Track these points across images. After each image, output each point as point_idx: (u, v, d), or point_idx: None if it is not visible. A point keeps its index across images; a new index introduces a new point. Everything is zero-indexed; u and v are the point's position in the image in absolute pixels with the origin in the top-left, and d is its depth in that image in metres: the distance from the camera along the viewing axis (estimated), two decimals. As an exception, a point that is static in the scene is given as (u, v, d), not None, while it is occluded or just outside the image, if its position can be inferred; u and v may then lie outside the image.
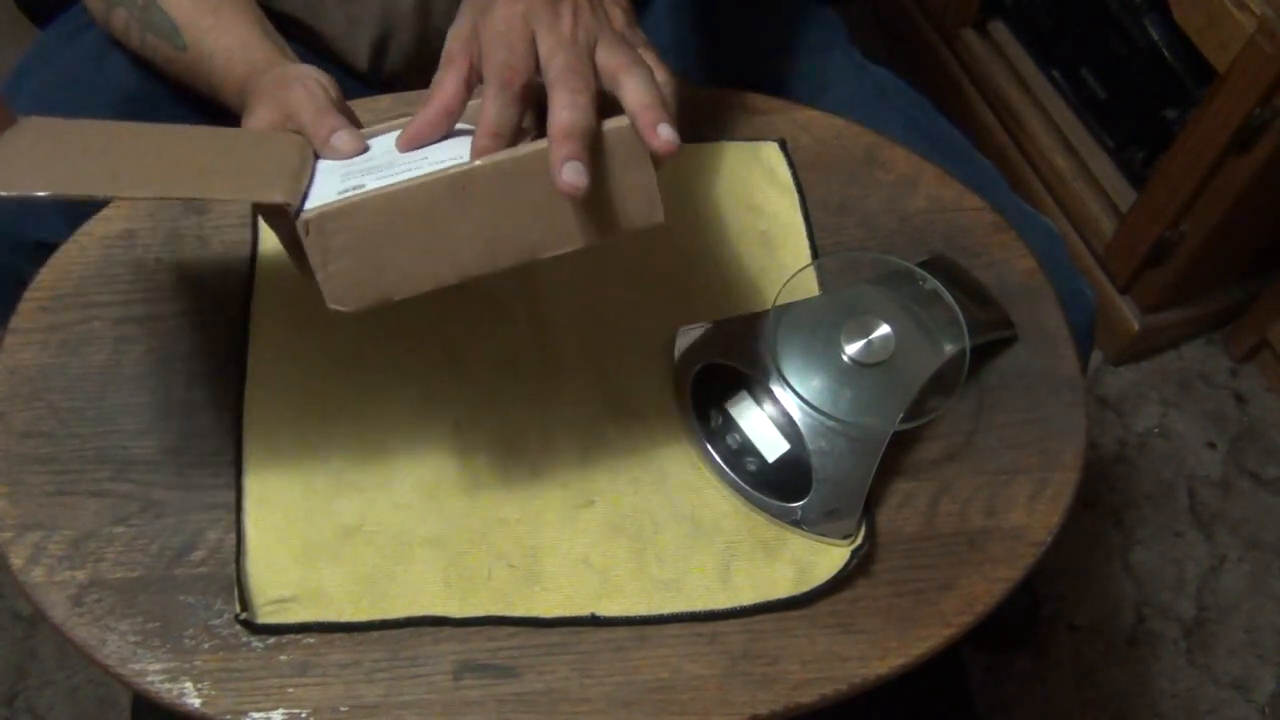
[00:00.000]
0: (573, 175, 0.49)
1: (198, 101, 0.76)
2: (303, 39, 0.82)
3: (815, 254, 0.72)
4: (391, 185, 0.50)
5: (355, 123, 0.62)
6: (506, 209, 0.51)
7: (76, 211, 0.71)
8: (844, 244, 0.74)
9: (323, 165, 0.58)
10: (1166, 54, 1.21)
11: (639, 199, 0.52)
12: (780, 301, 0.66)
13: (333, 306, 0.51)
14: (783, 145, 0.77)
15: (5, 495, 0.61)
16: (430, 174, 0.50)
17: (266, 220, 0.60)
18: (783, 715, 0.58)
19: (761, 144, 0.77)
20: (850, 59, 0.90)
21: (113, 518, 0.61)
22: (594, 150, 0.50)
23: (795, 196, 0.74)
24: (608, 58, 0.54)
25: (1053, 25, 1.39)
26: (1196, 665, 1.26)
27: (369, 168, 0.55)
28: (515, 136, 0.53)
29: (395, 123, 0.61)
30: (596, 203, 0.51)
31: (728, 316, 0.67)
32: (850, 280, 0.69)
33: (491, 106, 0.53)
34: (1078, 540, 1.33)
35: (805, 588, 0.60)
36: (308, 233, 0.49)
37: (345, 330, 0.67)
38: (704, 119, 0.78)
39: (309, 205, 0.51)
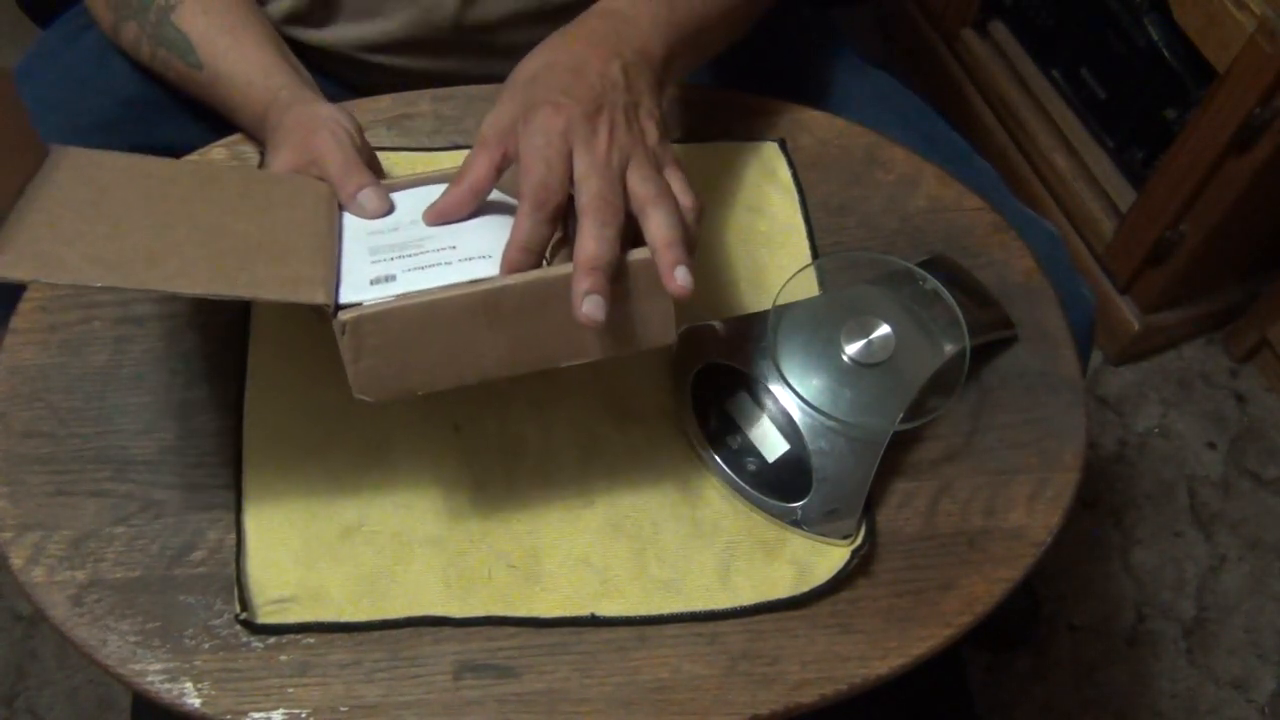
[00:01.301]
0: (592, 309, 0.52)
1: (199, 107, 0.76)
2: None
3: (815, 254, 0.72)
4: (426, 294, 0.53)
5: (376, 168, 0.63)
6: (531, 324, 0.54)
7: None
8: (844, 244, 0.74)
9: (348, 227, 0.60)
10: (1166, 54, 1.21)
11: (656, 323, 0.56)
12: (780, 301, 0.66)
13: (358, 397, 0.54)
14: (783, 145, 0.77)
15: (5, 495, 0.61)
16: (463, 288, 0.53)
17: None
18: (783, 715, 0.58)
19: (761, 144, 0.77)
20: (849, 62, 0.90)
21: (113, 518, 0.61)
22: (615, 279, 0.53)
23: (795, 196, 0.74)
24: (638, 185, 0.56)
25: (1053, 25, 1.39)
26: (1196, 665, 1.26)
27: (396, 245, 0.58)
28: (543, 252, 0.56)
29: (418, 177, 0.64)
30: (616, 323, 0.54)
31: (728, 316, 0.67)
32: (850, 280, 0.69)
33: (525, 224, 0.55)
34: (1078, 540, 1.33)
35: (805, 588, 0.60)
36: (344, 333, 0.52)
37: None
38: (704, 119, 0.78)
39: (343, 297, 0.55)
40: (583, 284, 0.52)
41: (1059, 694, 1.24)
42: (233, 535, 0.61)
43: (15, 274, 0.49)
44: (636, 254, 0.55)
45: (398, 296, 0.53)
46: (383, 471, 0.63)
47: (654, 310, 0.55)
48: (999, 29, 1.49)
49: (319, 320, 0.57)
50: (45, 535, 0.60)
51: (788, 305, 0.66)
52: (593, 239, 0.54)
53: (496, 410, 0.65)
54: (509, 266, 0.55)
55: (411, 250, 0.57)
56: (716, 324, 0.67)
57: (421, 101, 0.77)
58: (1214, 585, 1.31)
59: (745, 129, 0.78)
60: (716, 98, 0.79)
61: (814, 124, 0.78)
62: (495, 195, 0.61)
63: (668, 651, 0.59)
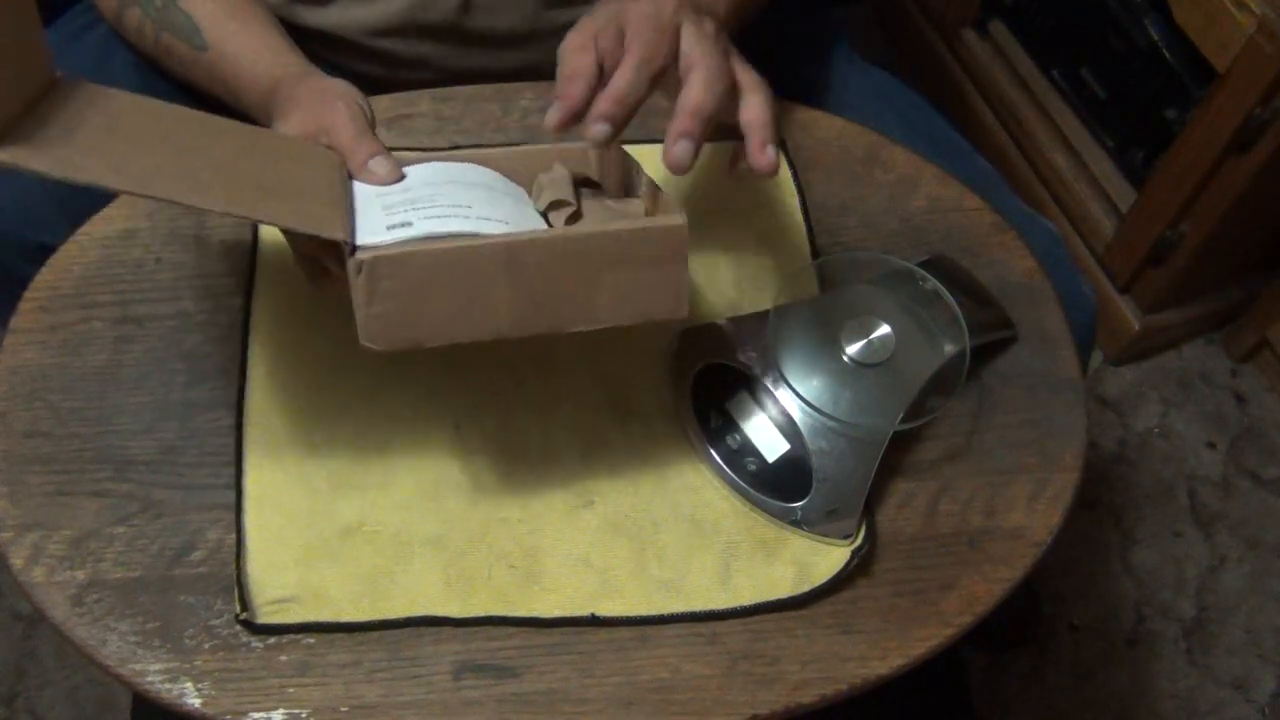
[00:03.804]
0: (682, 153, 0.56)
1: (203, 105, 0.76)
2: None
3: (815, 254, 0.72)
4: (448, 242, 0.52)
5: (384, 148, 0.63)
6: (549, 282, 0.53)
7: (78, 214, 0.71)
8: (844, 244, 0.74)
9: (358, 189, 0.59)
10: (1166, 54, 1.21)
11: (669, 293, 0.55)
12: (780, 301, 0.66)
13: (365, 344, 0.53)
14: (783, 145, 0.77)
15: (5, 495, 0.61)
16: (486, 239, 0.53)
17: (284, 231, 0.60)
18: (783, 715, 0.58)
19: (761, 144, 0.77)
20: (850, 61, 0.90)
21: (113, 518, 0.61)
22: (632, 246, 0.54)
23: (795, 196, 0.74)
24: (742, 70, 0.60)
25: (1053, 25, 1.39)
26: (1196, 665, 1.26)
27: (408, 200, 0.57)
28: (635, 111, 0.57)
29: (425, 156, 0.63)
30: (630, 289, 0.54)
31: (728, 316, 0.67)
32: (850, 280, 0.69)
33: (629, 75, 0.56)
34: (1078, 540, 1.33)
35: (805, 588, 0.60)
36: (359, 272, 0.51)
37: (345, 331, 0.67)
38: (704, 119, 0.78)
39: (359, 239, 0.53)
40: (683, 124, 0.55)
41: (1059, 694, 1.24)
42: (233, 535, 0.61)
43: (33, 165, 0.47)
44: (662, 219, 0.55)
45: (418, 240, 0.52)
46: (383, 471, 0.63)
47: (670, 279, 0.54)
48: (999, 29, 1.49)
49: (324, 275, 0.56)
50: (45, 535, 0.60)
51: (788, 305, 0.66)
52: (702, 89, 0.56)
53: (497, 410, 0.65)
54: (596, 117, 0.56)
55: (425, 204, 0.56)
56: (716, 324, 0.67)
57: (421, 101, 0.77)
58: (1214, 585, 1.31)
59: (745, 129, 0.78)
60: (716, 98, 0.79)
61: (814, 124, 0.78)
62: (500, 179, 0.61)
63: (668, 651, 0.59)
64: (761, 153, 0.58)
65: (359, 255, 0.51)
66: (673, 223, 0.54)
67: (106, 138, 0.52)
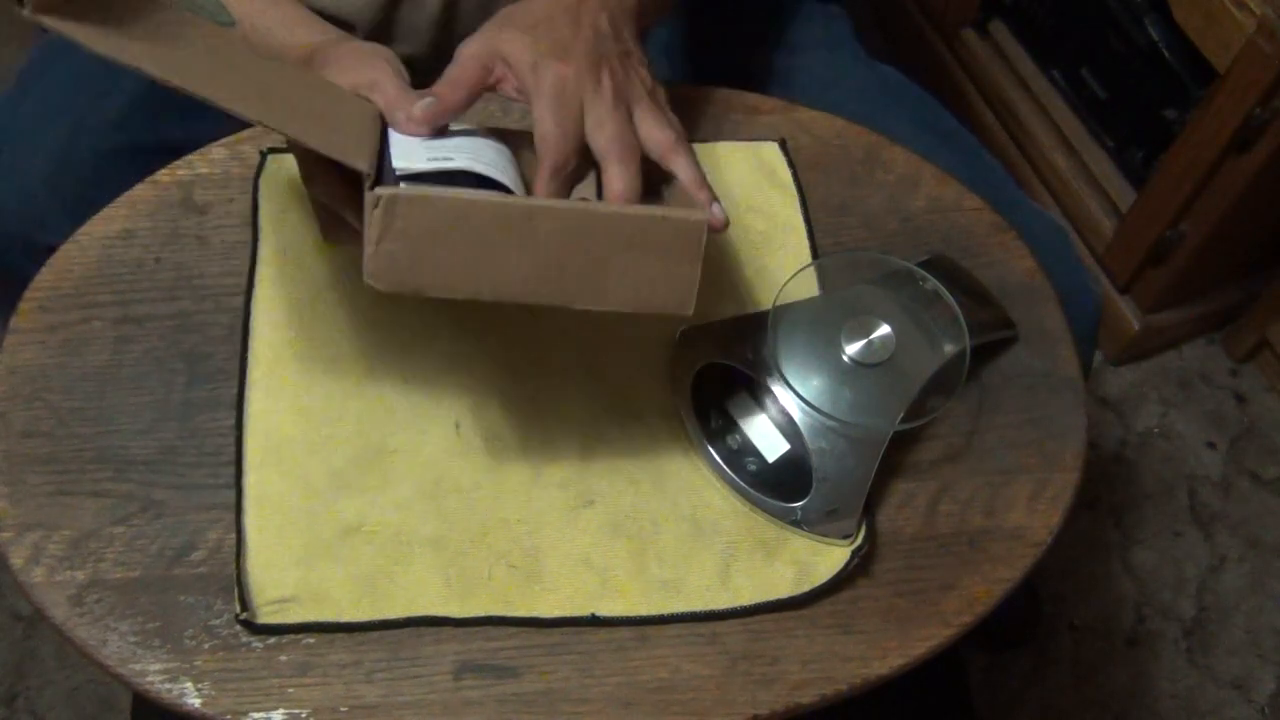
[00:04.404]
0: (721, 214, 0.58)
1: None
2: None
3: (815, 254, 0.72)
4: (467, 193, 0.53)
5: None
6: (560, 253, 0.53)
7: (80, 214, 0.71)
8: (844, 244, 0.74)
9: (396, 137, 0.59)
10: (1166, 54, 1.21)
11: (677, 288, 0.55)
12: (780, 301, 0.66)
13: (368, 281, 0.52)
14: (783, 145, 0.77)
15: (5, 495, 0.61)
16: (505, 196, 0.54)
17: (306, 177, 0.60)
18: (783, 715, 0.58)
19: (761, 144, 0.77)
20: (856, 56, 0.90)
21: (113, 518, 0.61)
22: (652, 232, 0.54)
23: (795, 196, 0.74)
24: (652, 131, 0.60)
25: (1053, 25, 1.39)
26: (1196, 665, 1.26)
27: (453, 146, 0.58)
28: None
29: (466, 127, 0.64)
30: (639, 277, 0.54)
31: (728, 316, 0.67)
32: (850, 280, 0.69)
33: (548, 189, 0.58)
34: (1078, 540, 1.33)
35: (805, 588, 0.60)
36: (376, 206, 0.51)
37: (345, 331, 0.67)
38: (704, 119, 0.78)
39: (396, 164, 0.54)
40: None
41: (1059, 694, 1.24)
42: (233, 535, 0.61)
43: (77, 35, 0.48)
44: (684, 213, 0.55)
45: (448, 176, 0.53)
46: (383, 471, 0.63)
47: (680, 275, 0.54)
48: (999, 29, 1.49)
49: (337, 229, 0.57)
50: (45, 535, 0.60)
51: (788, 305, 0.66)
52: (619, 179, 0.57)
53: (497, 410, 0.65)
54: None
55: (468, 151, 0.58)
56: (716, 324, 0.67)
57: (421, 101, 0.77)
58: (1214, 585, 1.31)
59: (745, 129, 0.78)
60: (716, 97, 0.79)
61: (814, 124, 0.78)
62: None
63: (668, 651, 0.59)
64: (713, 212, 0.58)
65: (379, 190, 0.51)
66: (693, 218, 0.54)
67: (143, 36, 0.52)
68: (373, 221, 0.51)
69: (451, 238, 0.52)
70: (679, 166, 0.60)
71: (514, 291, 0.53)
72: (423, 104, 0.59)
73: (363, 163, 0.53)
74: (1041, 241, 0.74)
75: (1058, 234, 0.81)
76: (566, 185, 0.59)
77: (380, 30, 0.79)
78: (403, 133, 0.60)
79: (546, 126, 0.58)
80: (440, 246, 0.52)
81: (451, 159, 0.56)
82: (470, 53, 0.61)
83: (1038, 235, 0.74)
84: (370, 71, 0.62)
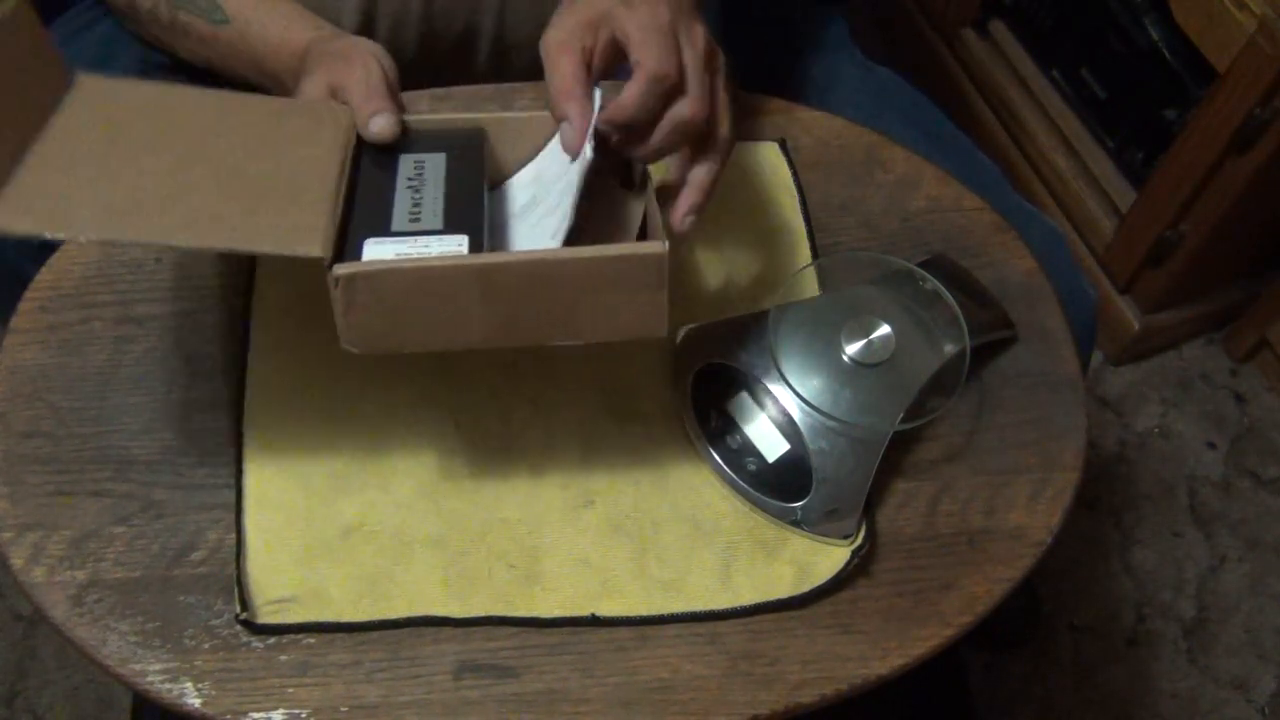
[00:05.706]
0: (690, 227, 0.58)
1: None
2: None
3: (815, 254, 0.72)
4: (419, 262, 0.53)
5: (401, 108, 0.63)
6: (524, 302, 0.54)
7: None
8: (844, 244, 0.74)
9: (363, 195, 0.59)
10: (1166, 54, 1.21)
11: (648, 314, 0.56)
12: (780, 301, 0.66)
13: (345, 347, 0.54)
14: (783, 145, 0.77)
15: (5, 495, 0.61)
16: (459, 259, 0.54)
17: None
18: (783, 715, 0.58)
19: (761, 144, 0.77)
20: (853, 59, 0.90)
21: (113, 518, 0.61)
22: (613, 269, 0.54)
23: (795, 196, 0.74)
24: (724, 116, 0.59)
25: (1053, 25, 1.39)
26: (1196, 665, 1.26)
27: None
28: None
29: (452, 117, 0.64)
30: (610, 309, 0.55)
31: (728, 316, 0.67)
32: (850, 280, 0.69)
33: (641, 90, 0.56)
34: (1078, 540, 1.33)
35: (805, 588, 0.60)
36: (336, 286, 0.52)
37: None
38: (704, 119, 0.78)
39: (365, 257, 0.54)
40: (695, 199, 0.57)
41: (1059, 694, 1.24)
42: (233, 535, 0.61)
43: (17, 228, 0.50)
44: (644, 247, 0.55)
45: (394, 258, 0.53)
46: (382, 471, 0.63)
47: (650, 302, 0.55)
48: (999, 29, 1.49)
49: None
50: (45, 535, 0.60)
51: (788, 305, 0.66)
52: (715, 164, 0.58)
53: (497, 410, 0.65)
54: (608, 116, 0.56)
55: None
56: (716, 324, 0.67)
57: (420, 101, 0.77)
58: (1214, 585, 1.31)
59: (745, 129, 0.78)
60: (716, 98, 0.79)
61: (814, 124, 0.78)
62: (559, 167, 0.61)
63: (668, 651, 0.59)
64: (679, 216, 0.58)
65: (336, 270, 0.52)
66: (652, 251, 0.54)
67: (106, 157, 0.54)
68: (335, 299, 0.53)
69: (415, 302, 0.53)
70: (705, 164, 0.59)
71: (488, 339, 0.55)
72: (378, 123, 0.60)
73: (316, 247, 0.53)
74: (1036, 244, 0.74)
75: (1052, 236, 0.81)
76: (662, 101, 0.56)
77: (366, 24, 0.79)
78: (367, 139, 0.61)
79: (641, 36, 0.56)
80: (406, 311, 0.53)
81: (428, 247, 0.55)
82: (556, 40, 0.58)
83: (1032, 238, 0.74)
84: (341, 74, 0.62)
